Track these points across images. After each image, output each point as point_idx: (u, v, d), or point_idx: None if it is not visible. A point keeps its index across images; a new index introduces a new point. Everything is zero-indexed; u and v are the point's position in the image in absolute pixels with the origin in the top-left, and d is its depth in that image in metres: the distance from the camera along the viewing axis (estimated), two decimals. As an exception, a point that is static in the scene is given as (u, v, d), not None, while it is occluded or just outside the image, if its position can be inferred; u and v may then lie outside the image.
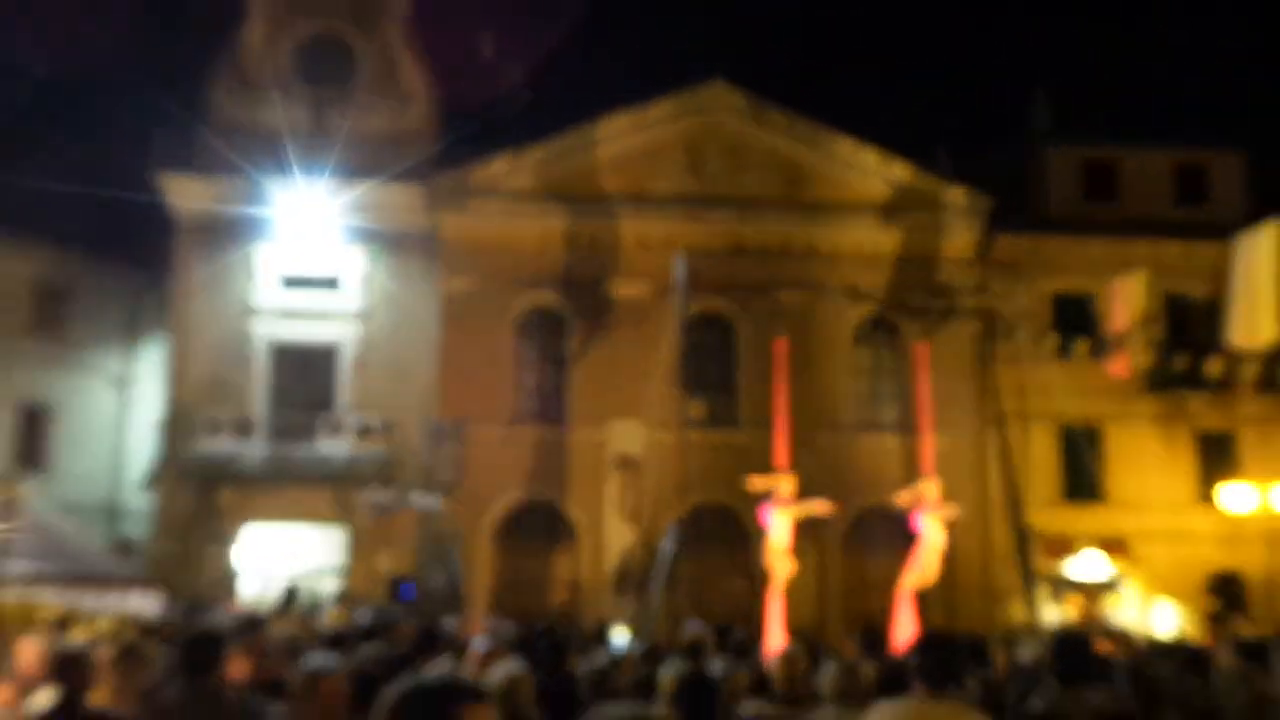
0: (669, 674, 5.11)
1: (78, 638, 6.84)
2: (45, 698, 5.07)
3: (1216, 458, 22.53)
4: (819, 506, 14.07)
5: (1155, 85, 45.42)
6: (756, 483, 14.59)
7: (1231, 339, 17.20)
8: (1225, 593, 21.88)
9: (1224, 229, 20.06)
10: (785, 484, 13.87)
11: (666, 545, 16.97)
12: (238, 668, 6.22)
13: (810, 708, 5.17)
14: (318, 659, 4.31)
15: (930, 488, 14.05)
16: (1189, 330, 22.84)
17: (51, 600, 7.81)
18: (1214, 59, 51.36)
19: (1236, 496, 21.24)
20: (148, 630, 7.92)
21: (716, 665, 6.21)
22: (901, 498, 14.42)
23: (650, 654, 7.54)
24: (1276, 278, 16.18)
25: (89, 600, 7.90)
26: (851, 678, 4.97)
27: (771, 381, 17.70)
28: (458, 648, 7.66)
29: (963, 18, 54.63)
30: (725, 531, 21.29)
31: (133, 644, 5.98)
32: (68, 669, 4.99)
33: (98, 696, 5.31)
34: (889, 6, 55.42)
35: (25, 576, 6.74)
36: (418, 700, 2.26)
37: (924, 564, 13.41)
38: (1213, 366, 21.07)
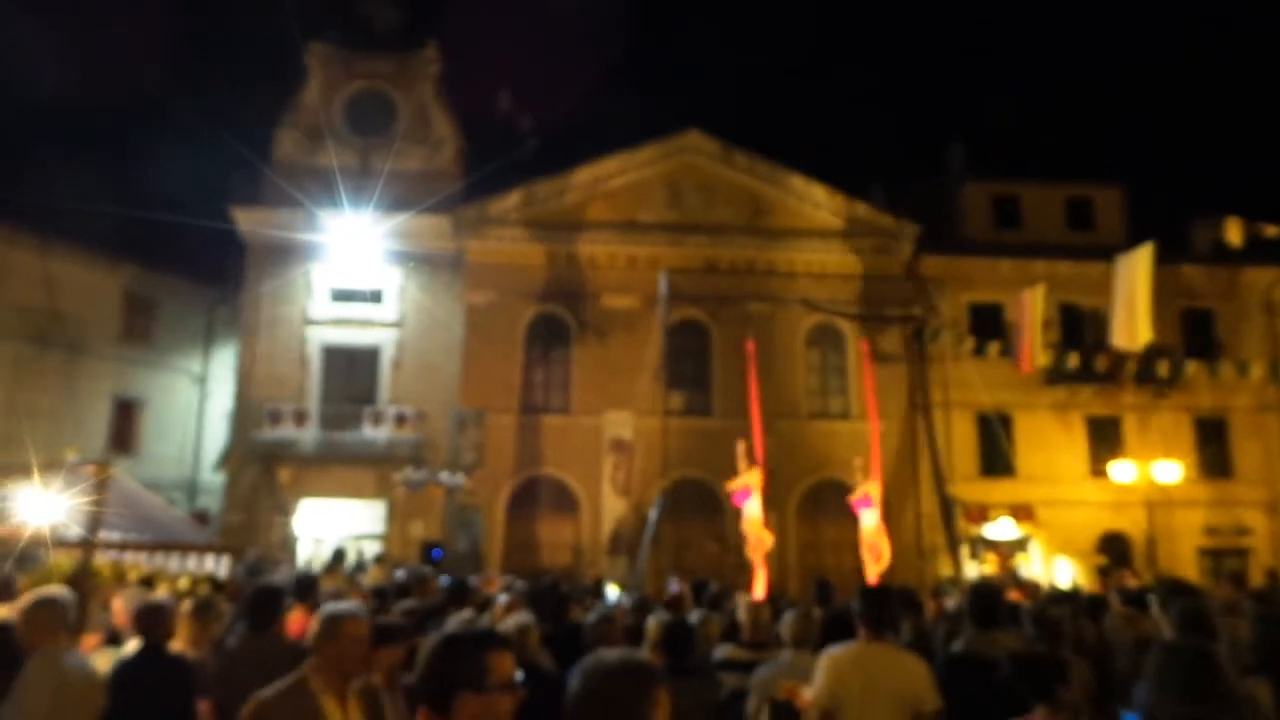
0: (654, 622, 5.07)
1: (161, 594, 6.76)
2: (135, 643, 5.01)
3: (1104, 438, 22.58)
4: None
5: (1050, 133, 45.70)
6: (732, 484, 14.65)
7: (1115, 341, 17.19)
8: (1112, 550, 21.94)
9: (1108, 250, 20.06)
10: (754, 476, 13.88)
11: (652, 513, 16.92)
12: (296, 621, 6.12)
13: (772, 651, 5.14)
14: (338, 606, 3.87)
15: (874, 487, 14.10)
16: (1080, 333, 22.87)
17: (139, 563, 7.73)
18: (1097, 112, 51.67)
19: (1121, 470, 21.31)
20: (219, 588, 7.84)
21: (694, 616, 6.15)
22: (855, 494, 14.44)
23: (640, 605, 7.48)
24: (1150, 291, 16.20)
25: (171, 563, 7.80)
26: (806, 625, 4.93)
27: (740, 377, 17.70)
28: (479, 601, 7.60)
29: (896, 83, 54.80)
30: (701, 502, 21.23)
31: (206, 599, 5.91)
32: (153, 619, 4.92)
33: (176, 643, 5.24)
34: (837, 72, 55.51)
35: (117, 543, 6.65)
36: (455, 646, 2.22)
37: (876, 551, 13.40)
38: (1100, 363, 21.07)
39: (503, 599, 6.64)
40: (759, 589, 11.95)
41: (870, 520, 13.91)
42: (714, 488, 21.14)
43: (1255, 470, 22.80)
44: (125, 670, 4.75)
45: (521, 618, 5.05)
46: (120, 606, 6.30)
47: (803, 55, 55.35)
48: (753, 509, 13.78)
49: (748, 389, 16.67)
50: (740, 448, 14.45)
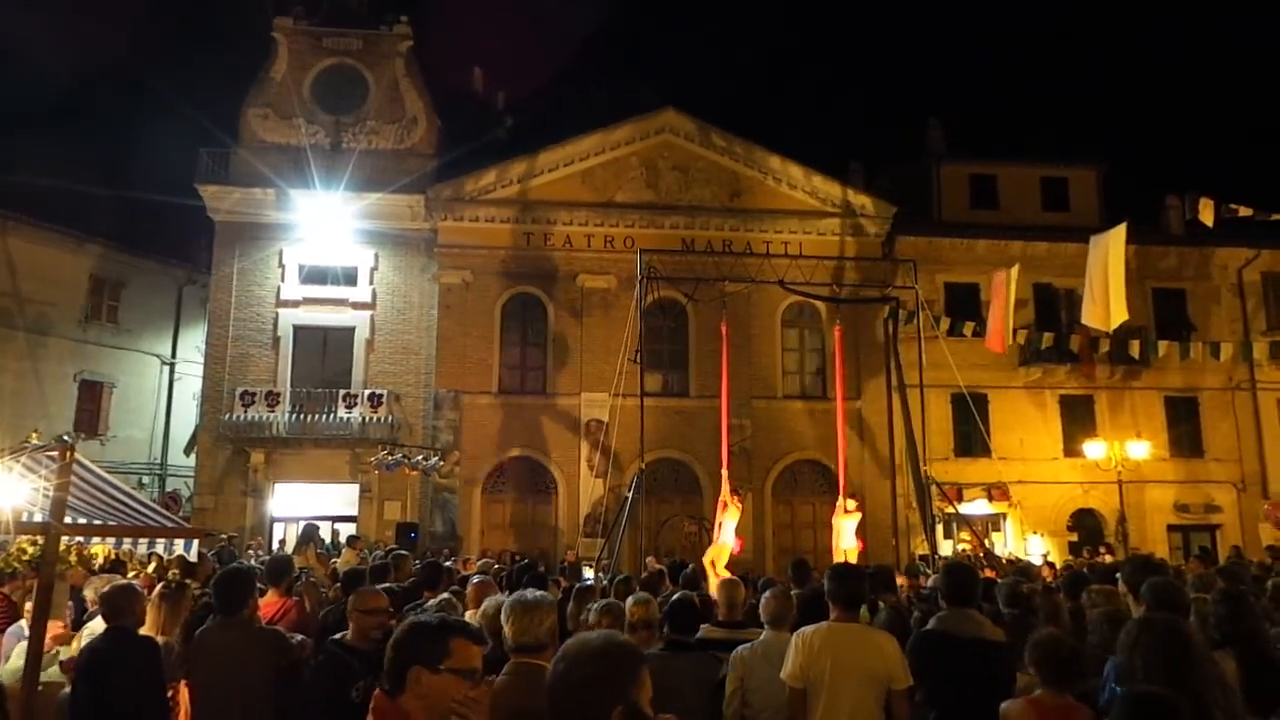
0: (632, 602, 5.08)
1: (130, 579, 6.67)
2: (101, 627, 4.95)
3: (1077, 417, 22.86)
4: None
5: (1026, 114, 45.94)
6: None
7: (1088, 320, 17.35)
8: (1085, 527, 22.29)
9: (1083, 231, 20.25)
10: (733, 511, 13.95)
11: (629, 494, 16.94)
12: (270, 605, 6.07)
13: (749, 630, 5.17)
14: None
15: (849, 501, 14.33)
16: (1055, 313, 23.13)
17: (106, 548, 7.61)
18: (1073, 94, 52.01)
19: (1094, 449, 21.60)
20: (189, 572, 7.74)
21: (674, 596, 6.16)
22: (835, 517, 14.60)
23: (620, 584, 7.48)
24: (1123, 271, 16.36)
25: (140, 547, 7.67)
26: (785, 604, 4.94)
27: (717, 358, 17.70)
28: (456, 582, 7.59)
29: (874, 63, 54.78)
30: (677, 482, 21.36)
31: (177, 584, 5.85)
32: (120, 603, 4.87)
33: (146, 628, 5.19)
34: (816, 52, 55.39)
35: (83, 528, 6.54)
36: (422, 629, 2.22)
37: (846, 549, 13.62)
38: (1073, 343, 21.33)
39: (476, 579, 6.63)
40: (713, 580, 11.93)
41: (844, 527, 14.11)
42: (691, 468, 21.26)
43: (1225, 449, 23.20)
44: (93, 653, 4.70)
45: (499, 598, 5.03)
46: (89, 591, 6.24)
47: (781, 34, 55.15)
48: (729, 525, 13.91)
49: (722, 370, 16.73)
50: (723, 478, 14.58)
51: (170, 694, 4.78)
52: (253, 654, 4.83)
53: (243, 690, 4.71)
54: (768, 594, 5.02)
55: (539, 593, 3.68)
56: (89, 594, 6.23)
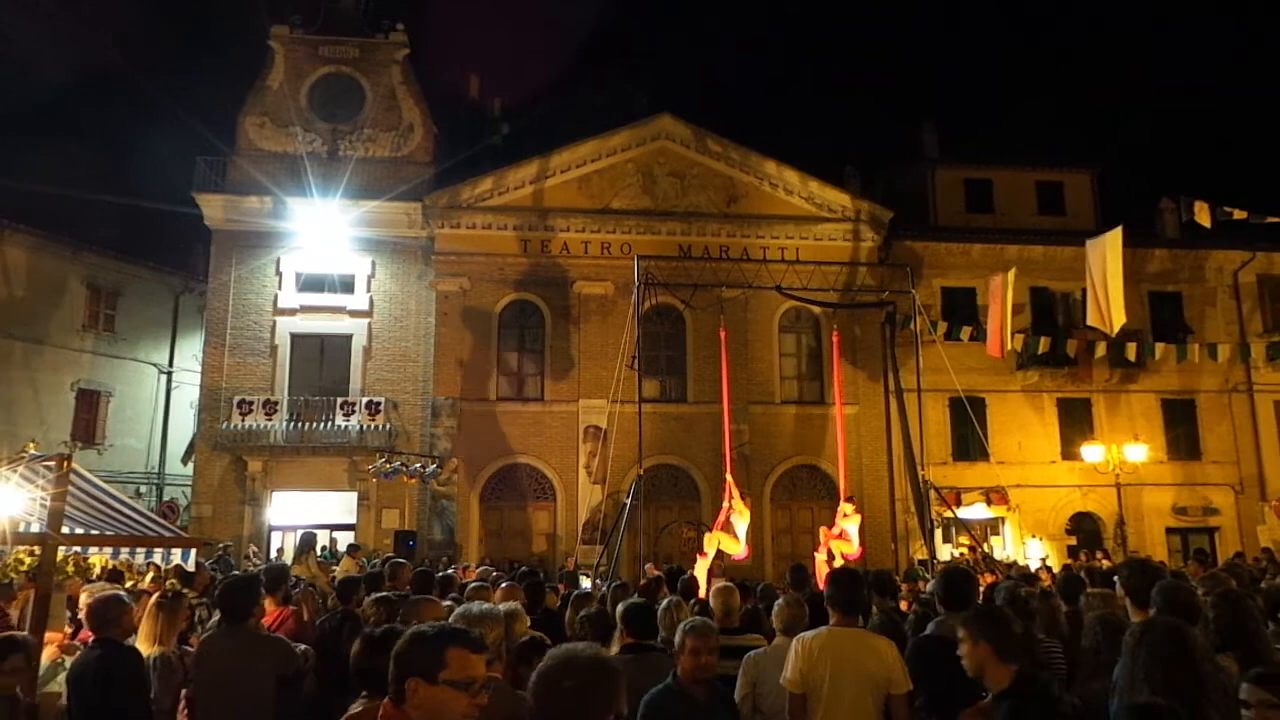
0: (622, 608, 5.13)
1: (118, 589, 6.66)
2: (90, 639, 4.95)
3: (1074, 421, 22.88)
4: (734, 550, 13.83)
5: (1020, 118, 46.10)
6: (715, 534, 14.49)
7: (1094, 323, 17.37)
8: (1083, 530, 22.29)
9: (1078, 235, 20.34)
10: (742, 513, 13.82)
11: (628, 500, 16.93)
12: (268, 614, 6.07)
13: (748, 636, 5.18)
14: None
15: (846, 506, 14.32)
16: (1051, 317, 23.17)
17: (103, 558, 7.61)
18: (1067, 98, 52.21)
19: (1091, 452, 21.61)
20: (186, 581, 7.74)
21: (664, 601, 6.19)
22: (837, 524, 14.44)
23: (617, 591, 7.52)
24: (1120, 274, 16.41)
25: (137, 557, 7.67)
26: (798, 611, 4.94)
27: (714, 364, 17.71)
28: (457, 589, 7.61)
29: (870, 68, 54.98)
30: (676, 488, 21.34)
31: (174, 593, 5.84)
32: (106, 614, 4.87)
33: (143, 637, 5.18)
34: (811, 56, 55.58)
35: (80, 538, 6.53)
36: (420, 637, 2.26)
37: (844, 551, 13.59)
38: (1070, 346, 21.36)
39: (503, 585, 6.63)
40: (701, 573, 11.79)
41: (850, 531, 14.06)
42: (690, 474, 21.25)
43: (1222, 451, 23.23)
44: (81, 666, 4.71)
45: (511, 604, 5.08)
46: (84, 602, 6.22)
47: (777, 39, 55.34)
48: (739, 529, 13.85)
49: (722, 375, 16.72)
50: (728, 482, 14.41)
51: (184, 703, 4.78)
52: (256, 662, 4.83)
53: (243, 697, 4.71)
54: (780, 601, 5.05)
55: (484, 605, 3.67)
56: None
